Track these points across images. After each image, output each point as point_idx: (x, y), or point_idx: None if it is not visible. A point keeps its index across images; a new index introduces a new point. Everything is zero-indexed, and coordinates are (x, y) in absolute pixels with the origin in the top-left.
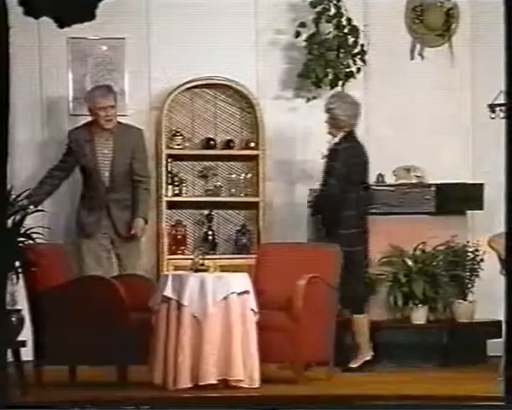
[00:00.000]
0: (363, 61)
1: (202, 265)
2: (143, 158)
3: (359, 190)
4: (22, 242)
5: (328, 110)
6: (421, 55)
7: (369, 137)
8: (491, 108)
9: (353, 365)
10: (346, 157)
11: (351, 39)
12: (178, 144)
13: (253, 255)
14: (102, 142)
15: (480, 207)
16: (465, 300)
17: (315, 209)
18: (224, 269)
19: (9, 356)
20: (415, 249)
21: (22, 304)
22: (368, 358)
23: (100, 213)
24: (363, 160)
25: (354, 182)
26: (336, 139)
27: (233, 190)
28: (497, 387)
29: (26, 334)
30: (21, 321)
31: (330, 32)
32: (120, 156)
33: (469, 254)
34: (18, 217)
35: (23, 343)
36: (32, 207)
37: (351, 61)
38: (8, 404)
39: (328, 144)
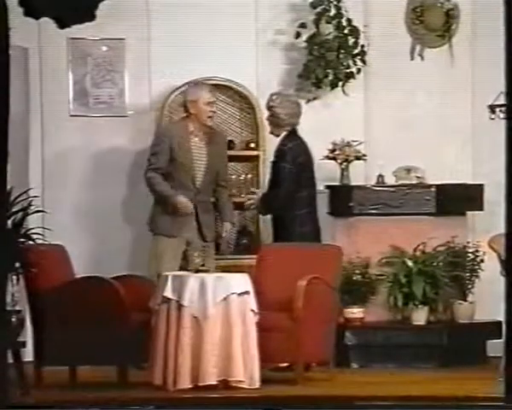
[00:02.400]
0: (364, 61)
1: (202, 265)
2: (227, 164)
3: (309, 187)
4: (22, 242)
5: (270, 109)
6: (421, 55)
7: (369, 137)
8: (491, 108)
9: None
10: (294, 156)
11: (351, 40)
12: None
13: (254, 256)
14: (197, 141)
15: (480, 208)
16: (465, 300)
17: (266, 209)
18: (224, 270)
19: (10, 357)
20: (415, 250)
21: (22, 305)
22: None
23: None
24: (309, 157)
25: (303, 180)
26: (280, 139)
27: (233, 191)
28: (497, 387)
29: (26, 334)
30: (22, 322)
31: (330, 33)
32: (213, 159)
33: (469, 254)
34: (18, 217)
35: (23, 344)
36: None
37: (351, 62)
38: (8, 404)
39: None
